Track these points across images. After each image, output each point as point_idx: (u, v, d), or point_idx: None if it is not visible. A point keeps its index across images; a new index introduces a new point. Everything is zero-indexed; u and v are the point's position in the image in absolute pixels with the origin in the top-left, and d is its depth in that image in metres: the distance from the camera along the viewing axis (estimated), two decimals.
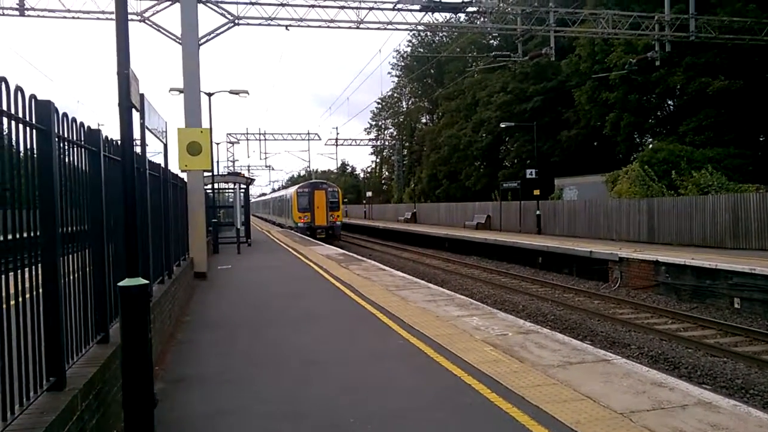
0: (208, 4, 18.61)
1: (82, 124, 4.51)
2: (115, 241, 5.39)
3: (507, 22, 22.97)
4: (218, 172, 39.59)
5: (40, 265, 3.62)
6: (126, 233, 4.63)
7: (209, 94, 22.73)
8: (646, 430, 4.60)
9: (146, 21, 18.62)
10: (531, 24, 22.06)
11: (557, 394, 5.47)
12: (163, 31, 18.22)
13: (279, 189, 72.45)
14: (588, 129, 38.92)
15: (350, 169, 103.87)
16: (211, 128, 20.55)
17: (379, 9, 20.66)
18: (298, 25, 20.59)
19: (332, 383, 6.10)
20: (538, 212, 30.61)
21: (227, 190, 31.50)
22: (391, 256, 31.43)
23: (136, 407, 4.23)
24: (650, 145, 33.51)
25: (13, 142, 3.29)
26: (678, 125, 32.06)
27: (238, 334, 8.62)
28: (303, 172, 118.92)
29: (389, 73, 75.51)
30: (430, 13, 21.09)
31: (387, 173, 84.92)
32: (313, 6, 20.24)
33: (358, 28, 20.98)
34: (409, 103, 76.33)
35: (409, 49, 69.74)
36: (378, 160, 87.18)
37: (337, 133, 77.95)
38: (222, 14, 19.16)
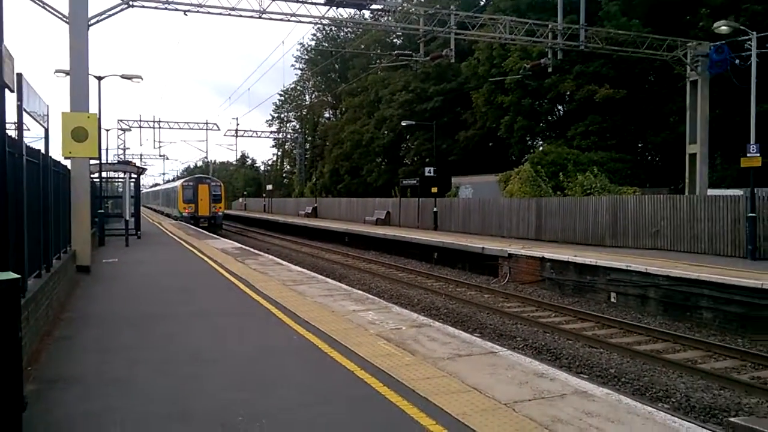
0: None
1: None
2: None
3: (410, 22, 23.32)
4: (107, 160, 37.53)
5: None
6: None
7: (99, 78, 21.45)
8: (527, 419, 4.83)
9: None
10: (433, 25, 22.52)
11: (446, 386, 5.64)
12: (48, 8, 16.96)
13: (174, 180, 69.88)
14: (484, 130, 40.40)
15: (250, 161, 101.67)
16: (99, 114, 19.46)
17: (282, 0, 20.34)
18: (198, 11, 19.86)
19: (222, 381, 5.95)
20: (435, 209, 31.40)
21: (117, 180, 29.91)
22: (290, 251, 31.12)
23: (1, 411, 3.92)
24: (540, 148, 35.28)
25: None
26: (566, 130, 34.02)
27: (122, 331, 8.20)
28: (200, 163, 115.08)
29: (293, 65, 74.60)
30: (334, 8, 20.99)
31: (288, 167, 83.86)
32: None
33: (260, 18, 20.53)
34: (313, 96, 75.75)
35: (313, 43, 69.28)
36: (279, 153, 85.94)
37: (238, 124, 75.71)
38: None
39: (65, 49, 15.24)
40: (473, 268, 21.64)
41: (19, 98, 6.31)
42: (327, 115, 72.88)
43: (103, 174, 24.43)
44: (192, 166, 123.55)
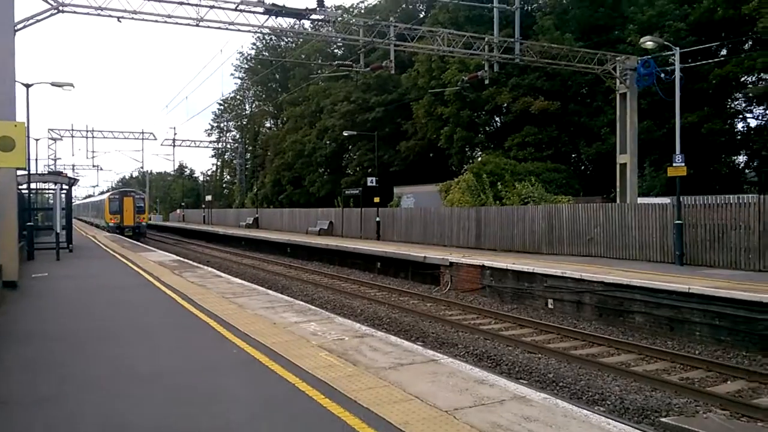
0: None
1: None
2: None
3: (350, 32, 23.43)
4: (37, 170, 36.01)
5: None
6: None
7: (27, 86, 20.53)
8: (467, 426, 4.89)
9: None
10: (373, 36, 22.69)
11: (388, 395, 5.64)
12: None
13: (105, 192, 68.47)
14: (425, 141, 40.91)
15: (189, 171, 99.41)
16: (28, 122, 18.62)
17: (220, 8, 20.01)
18: (132, 18, 19.32)
19: (159, 399, 5.77)
20: (378, 219, 31.53)
21: (47, 191, 28.67)
22: (231, 263, 30.54)
23: None
24: (479, 158, 35.99)
25: None
26: (504, 140, 34.84)
27: (52, 349, 7.84)
28: (136, 173, 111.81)
29: (232, 74, 73.63)
30: (274, 17, 20.84)
31: (229, 177, 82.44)
32: None
33: (197, 26, 20.15)
34: (253, 106, 74.86)
35: (253, 52, 68.56)
36: (219, 164, 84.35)
37: (175, 134, 74.47)
38: None
39: None
40: (415, 277, 21.79)
41: None
42: (268, 124, 72.14)
43: (33, 185, 23.39)
44: (127, 177, 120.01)
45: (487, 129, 39.80)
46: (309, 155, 51.57)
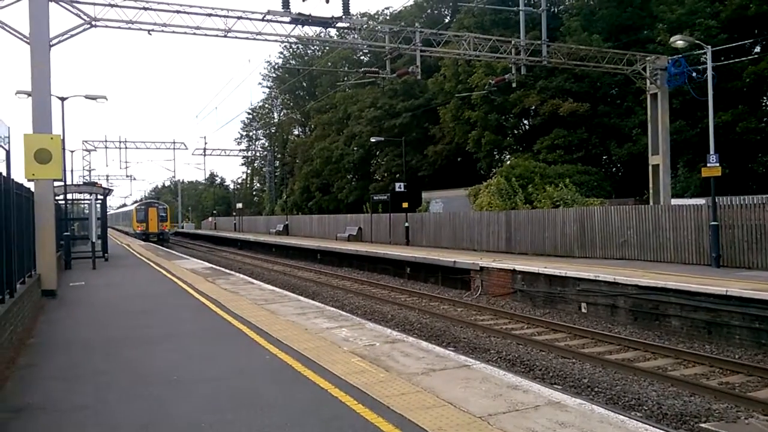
0: (61, 3, 17.29)
1: None
2: None
3: (376, 39, 23.53)
4: (72, 181, 36.96)
5: None
6: None
7: (62, 99, 21.14)
8: None
9: None
10: (398, 42, 22.75)
11: (421, 401, 5.63)
12: (8, 28, 16.67)
13: (135, 202, 70.92)
14: (453, 145, 40.81)
15: (220, 180, 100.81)
16: (63, 135, 19.12)
17: (248, 18, 20.29)
18: (162, 31, 19.70)
19: (194, 404, 5.85)
20: (406, 224, 31.50)
21: (82, 201, 29.37)
22: (262, 270, 30.84)
23: None
24: (508, 162, 35.76)
25: None
26: (533, 143, 34.56)
27: (90, 356, 8.01)
28: (168, 183, 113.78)
29: (260, 83, 74.65)
30: (300, 26, 21.05)
31: (258, 185, 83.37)
32: (178, 11, 19.46)
33: (226, 36, 20.47)
34: (281, 114, 75.65)
35: (280, 61, 69.31)
36: (249, 172, 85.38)
37: (206, 143, 75.25)
38: (77, 14, 17.87)
39: (27, 69, 14.99)
40: (446, 282, 21.71)
41: None
42: (296, 132, 72.79)
43: (69, 196, 23.98)
44: (159, 186, 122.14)
45: (516, 132, 39.54)
46: (337, 162, 51.85)
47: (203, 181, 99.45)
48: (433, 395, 5.79)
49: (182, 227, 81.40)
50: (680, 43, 18.98)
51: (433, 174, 43.66)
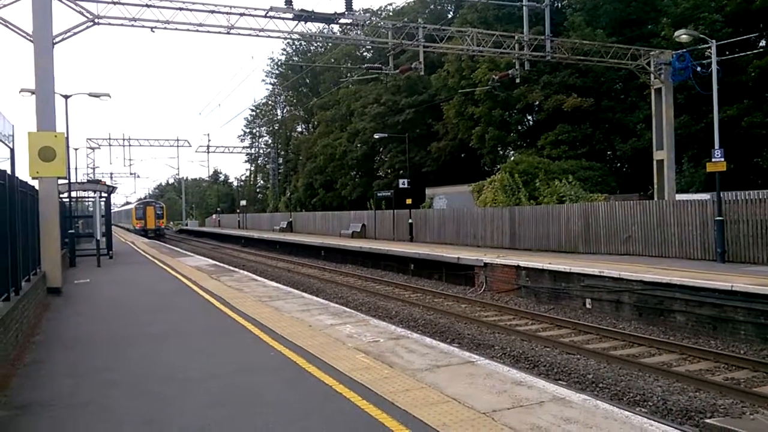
0: (64, 1, 17.28)
1: None
2: None
3: (379, 35, 23.46)
4: (77, 179, 37.04)
5: None
6: None
7: (66, 97, 21.14)
8: (506, 428, 4.84)
9: None
10: (401, 38, 22.68)
11: (425, 397, 5.62)
12: (11, 26, 16.69)
13: (136, 201, 71.81)
14: (456, 141, 40.73)
15: (223, 177, 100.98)
16: (67, 132, 19.15)
17: (250, 15, 20.24)
18: (165, 28, 19.68)
19: (198, 400, 5.85)
20: (410, 221, 31.49)
21: (86, 199, 29.45)
22: (266, 266, 30.87)
23: None
24: (512, 158, 35.68)
25: None
26: (537, 139, 34.47)
27: (94, 353, 8.03)
28: (172, 180, 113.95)
29: (263, 80, 74.62)
30: (303, 23, 21.01)
31: (262, 182, 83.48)
32: (180, 9, 19.43)
33: (228, 33, 20.42)
34: (284, 111, 75.65)
35: (283, 57, 69.25)
36: (252, 169, 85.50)
37: (209, 140, 75.28)
38: (80, 12, 17.86)
39: (30, 67, 15.00)
40: (449, 278, 21.69)
41: None
42: (299, 129, 72.81)
43: (73, 194, 24.03)
44: (163, 184, 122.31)
45: (520, 128, 39.44)
46: (340, 158, 51.84)
47: (207, 179, 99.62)
48: (437, 391, 5.79)
49: (186, 225, 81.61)
50: (684, 38, 18.87)
51: (436, 170, 43.60)
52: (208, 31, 20.33)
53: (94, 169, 66.14)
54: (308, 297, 12.91)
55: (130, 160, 72.98)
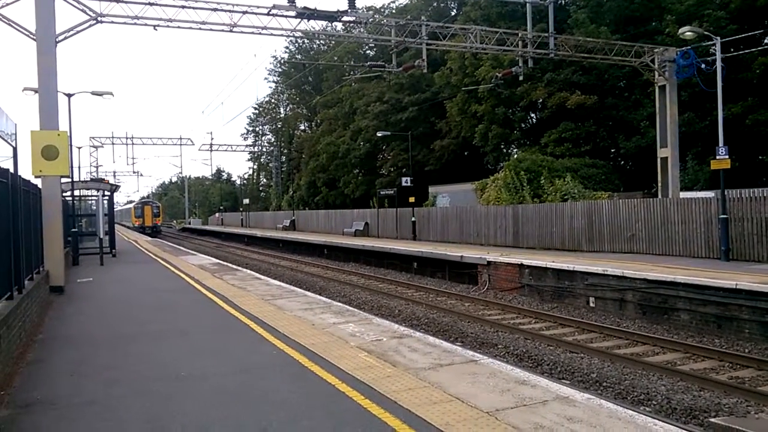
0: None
1: None
2: None
3: (382, 33, 23.41)
4: (80, 178, 37.09)
5: None
6: None
7: (68, 95, 21.16)
8: (510, 427, 4.81)
9: None
10: (404, 36, 22.63)
11: (428, 396, 5.60)
12: (14, 25, 16.70)
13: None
14: (459, 139, 40.66)
15: (226, 175, 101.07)
16: (70, 131, 19.15)
17: (253, 13, 20.22)
18: (167, 26, 19.68)
19: (201, 399, 5.84)
20: (413, 219, 31.45)
21: (89, 198, 29.49)
22: (269, 265, 30.87)
23: None
24: (515, 155, 35.59)
25: None
26: (540, 137, 34.37)
27: (97, 351, 8.03)
28: (175, 178, 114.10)
29: (266, 78, 74.58)
30: (306, 21, 20.97)
31: (265, 180, 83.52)
32: (183, 6, 19.43)
33: (231, 31, 20.42)
34: (287, 109, 75.66)
35: (286, 55, 69.25)
36: (255, 167, 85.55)
37: (212, 139, 75.65)
38: (83, 10, 17.88)
39: (33, 66, 14.99)
40: (453, 276, 21.66)
41: None
42: (302, 127, 72.81)
43: (76, 192, 24.06)
44: (167, 182, 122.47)
45: (523, 126, 39.34)
46: (343, 157, 51.81)
47: (210, 177, 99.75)
48: (440, 390, 5.76)
49: (189, 223, 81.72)
50: (689, 35, 18.77)
51: (439, 168, 43.53)
52: (211, 30, 20.34)
53: (97, 167, 66.29)
54: (311, 295, 12.90)
55: (133, 158, 73.21)
